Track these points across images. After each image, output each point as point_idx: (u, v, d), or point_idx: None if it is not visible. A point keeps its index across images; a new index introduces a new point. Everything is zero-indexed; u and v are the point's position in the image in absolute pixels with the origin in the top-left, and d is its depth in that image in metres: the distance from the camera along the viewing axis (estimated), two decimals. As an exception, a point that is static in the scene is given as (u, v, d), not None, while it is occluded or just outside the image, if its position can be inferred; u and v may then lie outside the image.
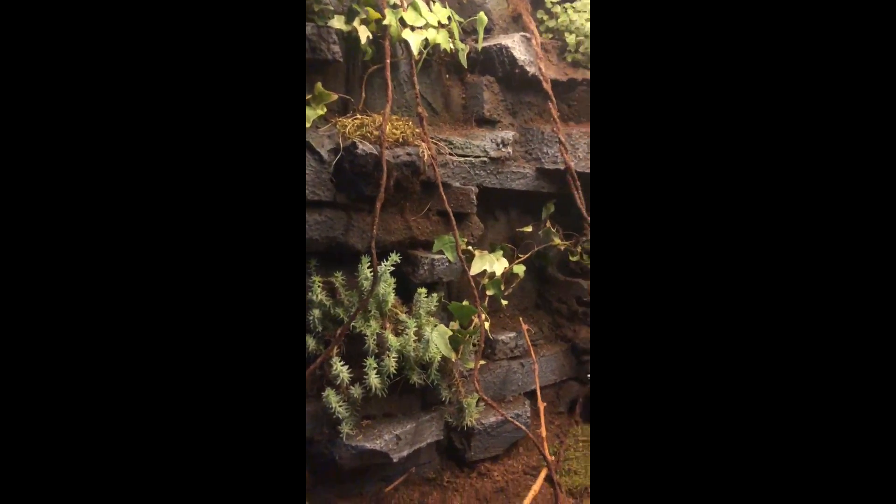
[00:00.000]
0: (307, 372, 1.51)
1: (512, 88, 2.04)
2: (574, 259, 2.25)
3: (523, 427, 1.70)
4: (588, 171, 2.08)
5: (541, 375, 2.25)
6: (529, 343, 2.04)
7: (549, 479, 1.66)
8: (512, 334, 2.12)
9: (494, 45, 2.00)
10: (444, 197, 1.70)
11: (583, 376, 2.34)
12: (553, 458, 1.86)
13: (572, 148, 2.06)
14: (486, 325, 1.79)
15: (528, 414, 2.15)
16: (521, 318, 2.05)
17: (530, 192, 2.12)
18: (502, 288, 1.95)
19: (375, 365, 1.59)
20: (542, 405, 1.87)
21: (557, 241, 2.16)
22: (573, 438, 2.19)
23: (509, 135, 1.96)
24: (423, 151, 1.63)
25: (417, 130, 1.65)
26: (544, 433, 1.75)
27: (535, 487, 1.59)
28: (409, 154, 1.60)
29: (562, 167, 2.00)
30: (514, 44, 1.98)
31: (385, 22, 1.59)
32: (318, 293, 1.63)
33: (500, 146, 1.91)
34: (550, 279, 2.37)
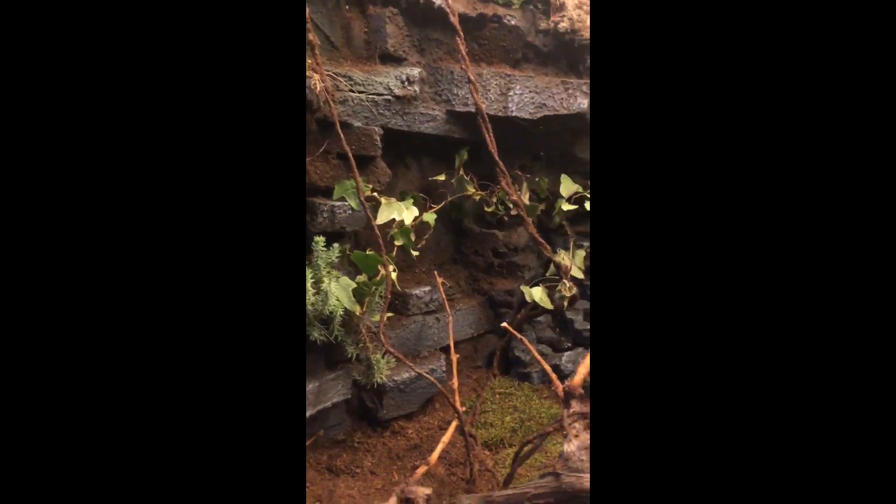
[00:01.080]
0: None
1: (418, 23, 1.89)
2: (490, 210, 2.17)
3: (434, 381, 1.62)
4: (501, 113, 1.99)
5: (457, 329, 2.18)
6: (444, 297, 1.95)
7: (462, 431, 1.59)
8: (427, 288, 2.03)
9: (398, -26, 1.84)
10: (343, 137, 1.55)
11: (500, 329, 2.29)
12: (464, 409, 1.80)
13: (483, 89, 1.95)
14: (394, 275, 1.68)
15: (444, 369, 2.08)
16: (436, 272, 1.96)
17: (442, 138, 2.00)
18: (412, 238, 1.84)
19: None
20: (454, 357, 1.80)
21: (472, 190, 2.07)
22: (490, 391, 2.15)
23: (415, 72, 1.82)
24: (315, 84, 1.47)
25: (309, 61, 1.48)
26: (456, 384, 1.68)
27: (445, 439, 1.52)
28: (298, 86, 1.43)
29: (473, 110, 1.89)
30: (419, -27, 1.83)
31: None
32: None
33: (406, 84, 1.77)
34: (466, 231, 2.29)
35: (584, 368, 1.39)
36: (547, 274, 2.18)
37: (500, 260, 2.26)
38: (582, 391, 1.38)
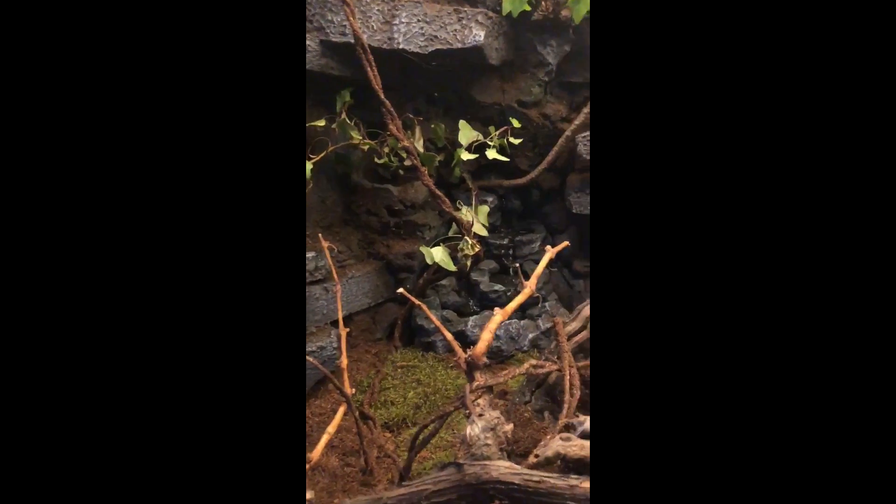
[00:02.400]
0: None
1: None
2: (381, 162, 1.91)
3: (316, 363, 1.36)
4: (386, 45, 1.71)
5: (352, 299, 1.93)
6: (332, 263, 1.68)
7: (355, 417, 1.36)
8: (311, 254, 1.75)
9: None
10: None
11: (400, 297, 2.06)
12: (353, 391, 1.55)
13: (363, 16, 1.66)
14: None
15: (336, 345, 1.83)
16: (320, 235, 1.67)
17: (317, 75, 1.70)
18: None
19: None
20: (343, 332, 1.54)
21: (358, 138, 1.79)
22: (391, 365, 1.93)
23: (276, -11, 1.48)
24: None
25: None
26: (345, 363, 1.43)
27: (330, 429, 1.28)
28: None
29: (352, 40, 1.59)
30: None
31: None
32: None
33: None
34: (356, 187, 2.01)
35: (487, 334, 1.19)
36: (450, 233, 1.97)
37: (397, 219, 2.01)
38: (486, 360, 1.18)
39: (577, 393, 1.22)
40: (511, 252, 2.13)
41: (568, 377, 1.23)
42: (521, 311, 2.05)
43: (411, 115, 1.81)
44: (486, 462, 0.95)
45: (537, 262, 2.19)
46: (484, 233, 1.91)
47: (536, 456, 1.02)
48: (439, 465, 1.01)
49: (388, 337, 2.06)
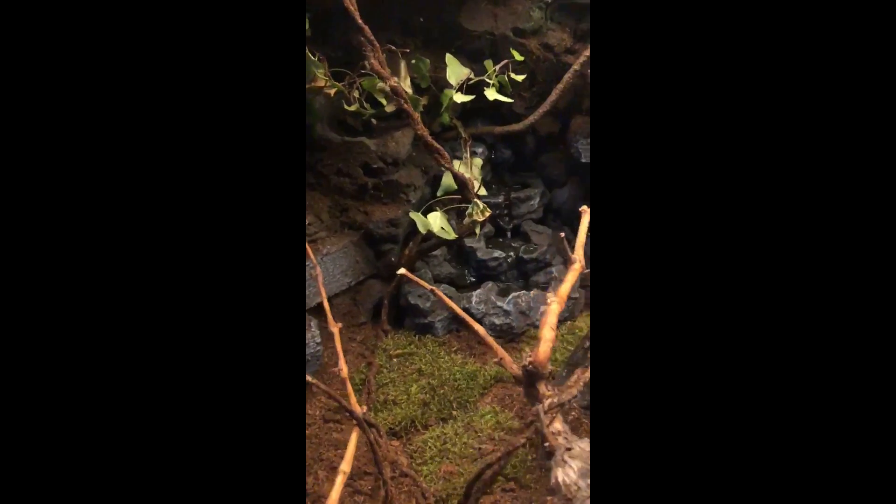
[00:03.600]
0: None
1: None
2: (352, 109, 1.53)
3: (318, 383, 1.04)
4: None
5: (330, 279, 1.59)
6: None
7: (371, 444, 1.06)
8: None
9: None
10: None
11: (384, 272, 1.74)
12: (351, 392, 1.24)
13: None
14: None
15: (319, 339, 1.50)
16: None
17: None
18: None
19: None
20: (335, 328, 1.22)
21: (323, 78, 1.40)
22: (383, 355, 1.63)
23: None
24: None
25: None
26: (345, 371, 1.12)
27: (345, 466, 0.98)
28: None
29: (314, -55, 1.19)
30: None
31: None
32: None
33: None
34: (322, 142, 1.63)
35: (549, 331, 0.91)
36: (438, 193, 1.64)
37: (375, 179, 1.66)
38: (550, 366, 0.91)
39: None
40: (507, 212, 1.85)
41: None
42: (525, 279, 1.79)
43: (393, 48, 1.43)
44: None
45: (538, 222, 1.94)
46: (483, 191, 1.61)
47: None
48: (527, 526, 0.75)
49: (373, 320, 1.75)
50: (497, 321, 1.62)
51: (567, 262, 1.08)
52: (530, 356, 0.89)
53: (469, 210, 1.42)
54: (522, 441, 0.82)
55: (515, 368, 1.02)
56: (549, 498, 0.73)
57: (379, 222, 1.68)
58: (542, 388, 0.90)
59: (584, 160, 1.70)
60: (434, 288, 1.22)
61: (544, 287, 1.72)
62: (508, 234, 1.87)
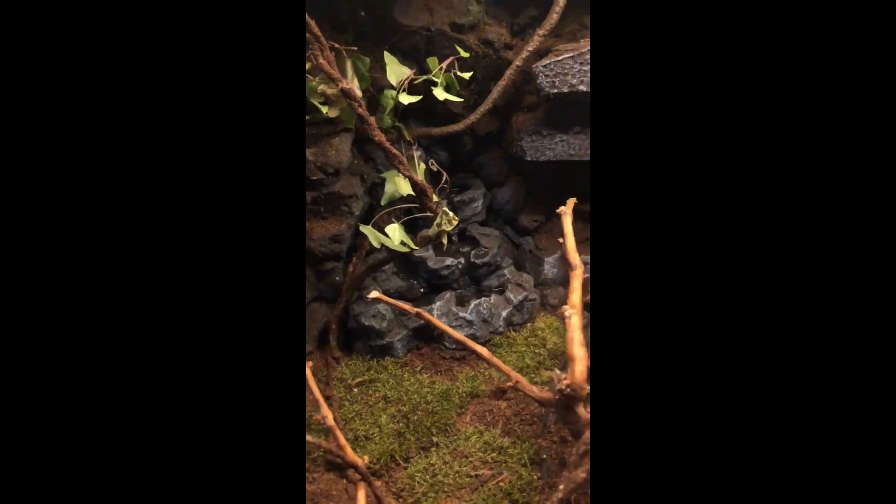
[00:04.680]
0: None
1: None
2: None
3: (318, 441, 0.88)
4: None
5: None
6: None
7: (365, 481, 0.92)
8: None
9: None
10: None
11: (326, 293, 1.58)
12: (324, 419, 1.08)
13: None
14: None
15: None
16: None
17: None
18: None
19: None
20: (307, 368, 1.06)
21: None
22: (341, 386, 1.47)
23: None
24: None
25: None
26: (331, 420, 0.97)
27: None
28: None
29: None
30: None
31: None
32: None
33: None
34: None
35: (580, 349, 0.84)
36: (383, 202, 1.51)
37: (314, 192, 1.48)
38: (587, 388, 0.84)
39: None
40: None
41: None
42: (477, 284, 1.72)
43: (338, 46, 1.27)
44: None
45: (482, 224, 1.87)
46: (435, 197, 1.50)
47: None
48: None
49: (319, 347, 1.58)
50: (462, 332, 1.53)
51: (569, 269, 1.02)
52: (566, 379, 0.82)
53: (438, 220, 1.31)
54: (583, 476, 0.74)
55: (535, 391, 0.95)
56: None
57: (320, 239, 1.51)
58: (582, 410, 0.83)
59: (528, 158, 1.67)
60: (421, 311, 1.10)
61: (499, 291, 1.67)
62: (455, 238, 1.78)
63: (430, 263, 1.65)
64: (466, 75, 1.45)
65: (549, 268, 1.83)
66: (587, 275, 1.17)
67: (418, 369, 1.52)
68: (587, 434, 0.78)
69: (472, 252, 1.70)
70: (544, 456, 1.18)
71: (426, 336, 1.58)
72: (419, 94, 1.41)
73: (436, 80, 1.41)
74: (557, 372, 0.84)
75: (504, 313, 1.60)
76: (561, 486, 0.74)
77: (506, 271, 1.71)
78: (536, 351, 1.54)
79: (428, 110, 1.71)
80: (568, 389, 0.82)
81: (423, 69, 1.48)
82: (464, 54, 1.47)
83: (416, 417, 1.37)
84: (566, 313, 0.90)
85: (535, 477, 1.16)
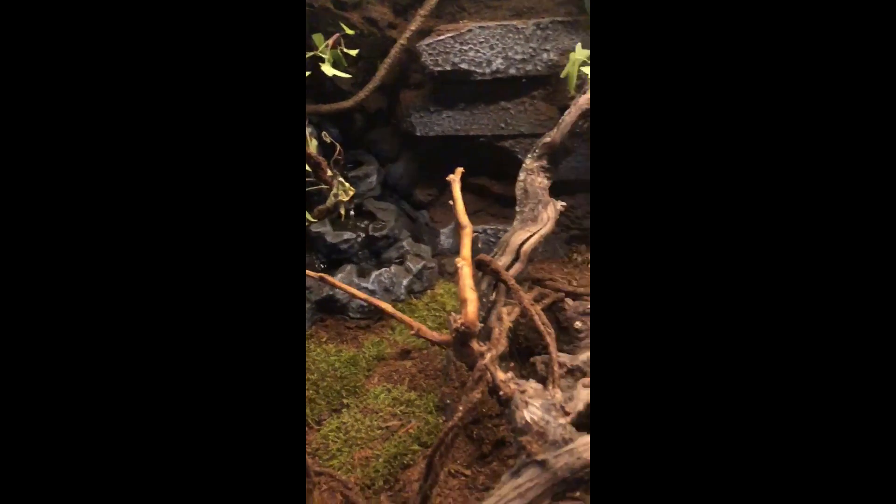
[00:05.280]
0: None
1: None
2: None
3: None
4: None
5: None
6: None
7: None
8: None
9: None
10: None
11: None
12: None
13: None
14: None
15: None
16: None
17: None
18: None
19: None
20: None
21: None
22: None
23: None
24: None
25: None
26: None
27: None
28: None
29: None
30: None
31: None
32: None
33: None
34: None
35: (471, 293, 0.95)
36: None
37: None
38: (479, 325, 0.95)
39: (552, 330, 1.10)
40: (347, 191, 1.81)
41: (535, 315, 1.10)
42: (377, 257, 1.79)
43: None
44: (572, 445, 0.77)
45: (377, 199, 1.93)
46: (329, 171, 1.54)
47: (567, 413, 0.88)
48: (510, 470, 0.79)
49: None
50: (364, 302, 1.59)
51: (459, 228, 1.13)
52: (460, 319, 0.92)
53: (334, 191, 1.36)
54: (478, 396, 0.85)
55: (435, 335, 1.04)
56: (522, 438, 0.78)
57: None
58: (476, 345, 0.94)
59: (418, 133, 1.75)
60: (324, 275, 1.15)
61: (398, 262, 1.75)
62: (352, 213, 1.83)
63: (329, 238, 1.69)
64: (353, 52, 1.50)
65: (445, 238, 1.94)
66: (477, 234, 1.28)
67: (324, 340, 1.57)
68: (481, 362, 0.88)
69: (370, 226, 1.76)
70: (448, 401, 1.29)
71: (330, 308, 1.62)
72: (306, 71, 1.44)
73: (323, 56, 1.45)
74: (454, 315, 0.94)
75: (405, 282, 1.69)
76: (461, 408, 0.84)
77: (404, 243, 1.80)
78: (437, 314, 1.65)
79: (316, 88, 1.73)
80: (462, 327, 0.92)
81: (307, 46, 1.50)
82: (349, 31, 1.51)
83: (325, 384, 1.41)
84: (458, 264, 1.00)
85: (441, 420, 1.27)
